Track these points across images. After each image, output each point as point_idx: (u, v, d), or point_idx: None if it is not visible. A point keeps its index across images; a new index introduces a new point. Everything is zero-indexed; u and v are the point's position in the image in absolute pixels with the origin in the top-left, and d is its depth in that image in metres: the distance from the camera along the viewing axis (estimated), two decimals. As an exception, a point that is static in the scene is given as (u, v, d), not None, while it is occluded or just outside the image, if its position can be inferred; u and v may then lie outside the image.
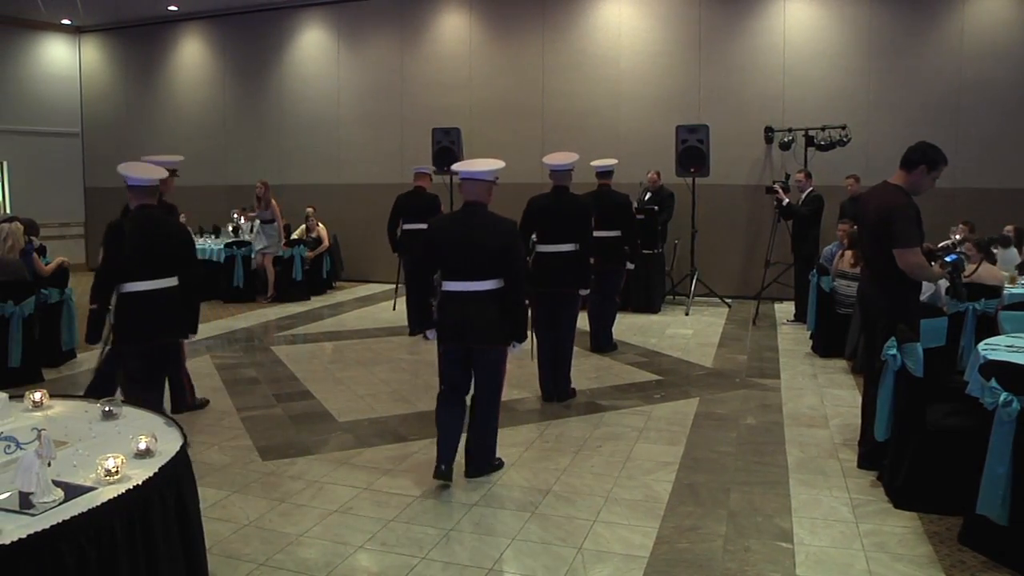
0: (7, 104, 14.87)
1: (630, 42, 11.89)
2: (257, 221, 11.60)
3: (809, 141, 10.55)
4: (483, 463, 4.66)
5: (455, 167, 4.70)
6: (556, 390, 6.18)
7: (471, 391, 4.64)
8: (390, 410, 6.01)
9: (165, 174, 5.08)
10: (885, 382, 4.30)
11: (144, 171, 4.84)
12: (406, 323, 8.73)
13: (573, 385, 6.35)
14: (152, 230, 4.75)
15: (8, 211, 14.17)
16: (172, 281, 4.82)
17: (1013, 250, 4.98)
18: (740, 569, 3.47)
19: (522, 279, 4.49)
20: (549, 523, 3.97)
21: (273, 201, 11.34)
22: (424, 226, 8.47)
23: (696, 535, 3.82)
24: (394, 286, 10.76)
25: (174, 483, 2.60)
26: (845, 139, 10.30)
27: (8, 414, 2.77)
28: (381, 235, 9.22)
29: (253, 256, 11.49)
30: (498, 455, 4.78)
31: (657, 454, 4.99)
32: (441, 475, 4.43)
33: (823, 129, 10.47)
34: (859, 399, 5.19)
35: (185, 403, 5.90)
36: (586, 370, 7.09)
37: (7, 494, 2.26)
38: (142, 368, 4.76)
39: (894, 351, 4.21)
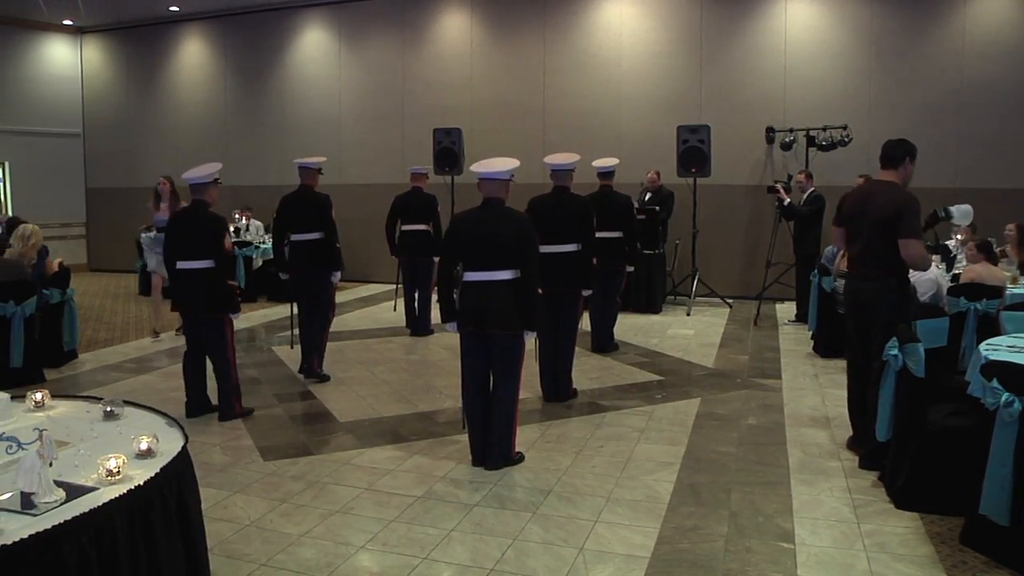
0: (8, 105, 14.88)
1: (631, 42, 11.89)
2: (154, 231, 9.03)
3: (810, 141, 10.55)
4: (501, 456, 4.74)
5: (473, 167, 4.91)
6: (557, 390, 6.18)
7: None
8: (391, 410, 6.01)
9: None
10: (886, 382, 4.30)
11: (200, 171, 5.79)
12: (406, 324, 8.90)
13: (574, 385, 6.35)
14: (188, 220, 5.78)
15: (10, 212, 14.18)
16: (206, 263, 5.64)
17: (966, 207, 5.12)
18: (741, 569, 3.47)
19: (536, 269, 4.72)
20: (550, 523, 3.97)
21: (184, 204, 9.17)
22: (423, 227, 8.72)
23: (697, 535, 3.82)
24: (394, 287, 10.74)
25: (175, 483, 2.60)
26: (846, 139, 10.29)
27: (10, 414, 2.77)
28: (382, 235, 9.20)
29: (153, 273, 9.01)
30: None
31: (658, 454, 4.99)
32: (479, 464, 4.74)
33: (824, 129, 10.46)
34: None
35: (230, 410, 5.77)
36: (587, 370, 7.09)
37: (9, 494, 2.26)
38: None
39: (895, 351, 4.21)
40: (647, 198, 10.58)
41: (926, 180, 10.22)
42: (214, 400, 5.86)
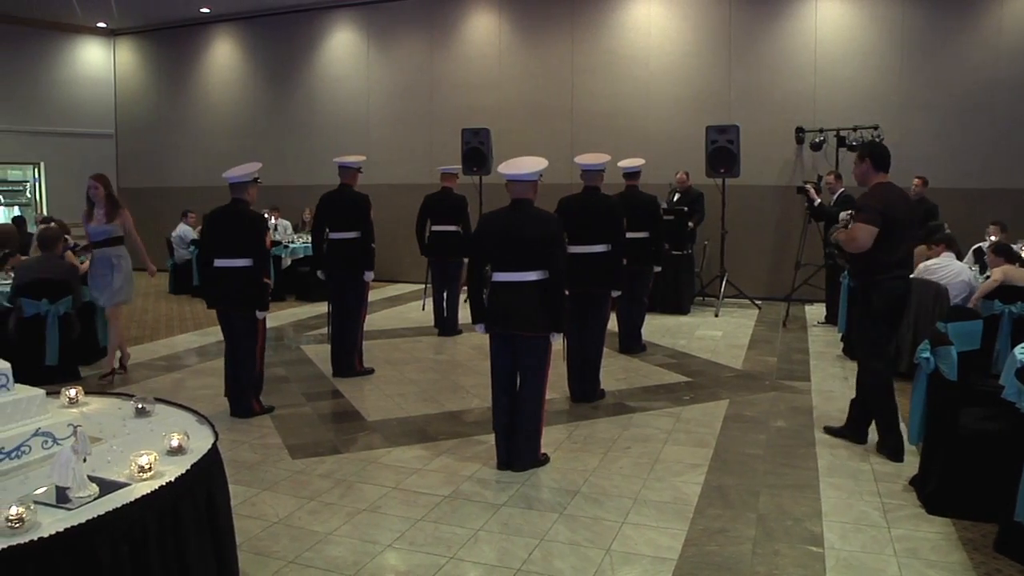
0: (43, 106, 15.17)
1: (660, 42, 11.84)
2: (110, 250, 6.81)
3: (841, 142, 10.44)
4: (528, 457, 4.73)
5: (501, 168, 4.88)
6: (585, 391, 6.17)
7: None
8: (419, 410, 6.03)
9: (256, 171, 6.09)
10: (918, 385, 4.25)
11: (241, 170, 5.93)
12: (435, 323, 8.93)
13: (602, 386, 6.33)
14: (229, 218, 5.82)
15: (45, 211, 14.44)
16: (244, 262, 5.67)
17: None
18: (769, 573, 3.44)
19: (563, 270, 4.70)
20: (577, 524, 3.97)
21: (126, 212, 6.98)
22: (452, 227, 8.74)
23: (725, 538, 3.80)
24: (423, 286, 10.78)
25: (205, 480, 2.64)
26: (877, 140, 10.16)
27: (45, 410, 2.82)
28: (410, 235, 9.23)
29: (100, 306, 7.18)
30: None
31: (686, 456, 4.96)
32: (504, 466, 4.72)
33: (855, 129, 10.35)
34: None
35: (248, 406, 5.84)
36: (615, 371, 7.07)
37: (44, 489, 2.30)
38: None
39: (927, 354, 4.16)
40: (675, 199, 10.53)
41: (958, 181, 10.13)
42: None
